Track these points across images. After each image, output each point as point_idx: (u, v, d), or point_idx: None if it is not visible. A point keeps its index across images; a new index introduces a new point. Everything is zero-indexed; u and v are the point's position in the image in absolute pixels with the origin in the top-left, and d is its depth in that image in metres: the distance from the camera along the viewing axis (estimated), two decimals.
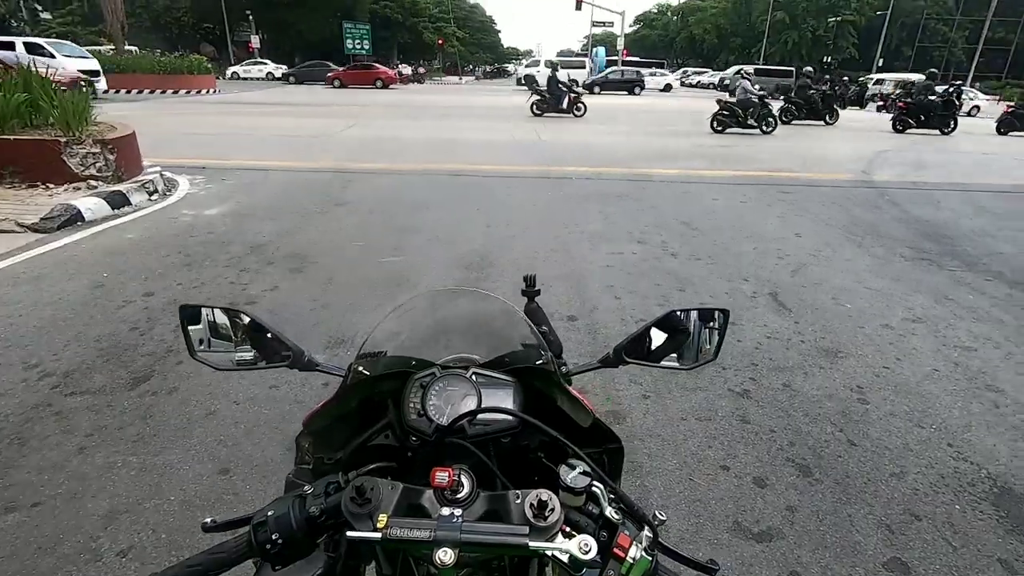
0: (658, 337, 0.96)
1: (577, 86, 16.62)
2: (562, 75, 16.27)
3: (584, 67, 33.68)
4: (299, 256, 4.37)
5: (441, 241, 4.85)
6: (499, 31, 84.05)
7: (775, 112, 13.72)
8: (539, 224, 5.49)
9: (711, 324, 0.96)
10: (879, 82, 29.99)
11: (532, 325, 0.90)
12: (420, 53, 60.64)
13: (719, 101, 13.70)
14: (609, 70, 33.18)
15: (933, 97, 14.84)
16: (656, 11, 72.61)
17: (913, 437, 2.42)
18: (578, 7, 36.02)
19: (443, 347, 0.91)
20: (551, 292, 3.63)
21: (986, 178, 8.81)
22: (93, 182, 5.91)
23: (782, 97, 14.31)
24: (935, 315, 3.68)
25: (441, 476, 0.60)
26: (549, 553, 0.55)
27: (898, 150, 11.68)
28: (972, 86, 33.27)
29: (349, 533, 0.56)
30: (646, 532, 0.62)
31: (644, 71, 35.64)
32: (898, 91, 20.60)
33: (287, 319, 3.30)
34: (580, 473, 0.63)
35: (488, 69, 64.93)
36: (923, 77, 15.84)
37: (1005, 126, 15.99)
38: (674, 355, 0.96)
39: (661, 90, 36.36)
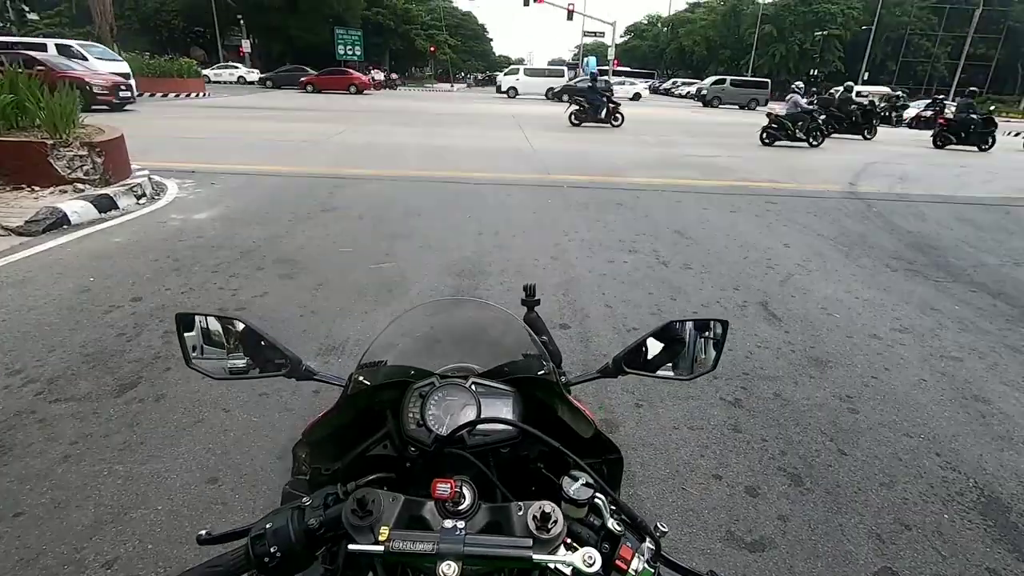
0: (656, 347, 0.96)
1: (613, 96, 16.60)
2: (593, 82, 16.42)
3: (563, 75, 33.93)
4: (289, 261, 4.34)
5: (433, 248, 4.85)
6: (491, 39, 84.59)
7: (822, 126, 14.04)
8: (531, 232, 5.50)
9: (709, 335, 0.96)
10: (858, 94, 30.51)
11: (533, 335, 0.90)
12: (412, 60, 60.81)
13: (769, 114, 14.09)
14: (577, 79, 33.23)
15: (973, 115, 15.12)
16: (647, 22, 73.39)
17: (902, 447, 2.44)
18: (570, 17, 36.34)
19: (443, 357, 0.91)
20: (542, 300, 3.61)
21: None
22: (80, 185, 5.84)
23: (823, 111, 14.49)
24: (922, 325, 3.73)
25: (443, 488, 0.59)
26: (552, 566, 0.54)
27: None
28: (954, 100, 33.91)
29: (351, 546, 0.55)
30: (648, 544, 0.62)
31: (614, 80, 35.94)
32: (932, 110, 20.72)
33: (276, 325, 3.27)
34: (583, 485, 0.62)
35: (480, 77, 65.20)
36: (945, 98, 16.21)
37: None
38: (673, 365, 0.97)
39: (630, 99, 36.06)
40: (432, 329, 1.00)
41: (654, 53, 67.85)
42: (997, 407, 2.79)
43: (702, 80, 42.22)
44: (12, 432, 2.25)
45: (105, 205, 5.51)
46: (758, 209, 6.89)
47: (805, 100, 14.07)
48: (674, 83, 50.53)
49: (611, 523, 0.62)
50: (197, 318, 0.92)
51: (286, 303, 3.62)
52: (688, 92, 42.60)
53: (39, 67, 14.48)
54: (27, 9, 38.29)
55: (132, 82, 17.28)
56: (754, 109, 32.99)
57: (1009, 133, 23.17)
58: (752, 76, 41.21)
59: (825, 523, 1.99)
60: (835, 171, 10.16)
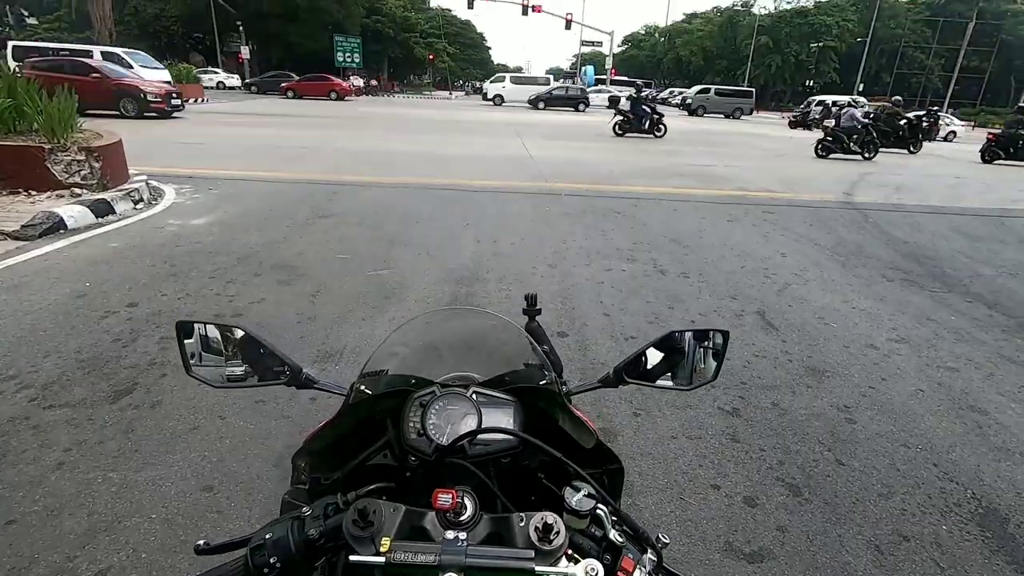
0: (656, 357, 0.96)
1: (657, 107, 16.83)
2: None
3: (548, 84, 34.24)
4: (287, 267, 4.33)
5: (431, 255, 4.85)
6: (490, 48, 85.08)
7: (876, 140, 14.20)
8: (529, 239, 5.51)
9: (708, 345, 0.96)
10: (858, 104, 30.76)
11: (534, 344, 0.90)
12: (411, 68, 61.10)
13: (825, 128, 14.28)
14: (554, 86, 33.46)
15: (1022, 131, 15.22)
16: (644, 32, 73.98)
17: (900, 457, 2.44)
18: (568, 27, 36.70)
19: (444, 366, 0.90)
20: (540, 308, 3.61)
21: None
22: (77, 190, 5.83)
23: (871, 124, 14.66)
24: (918, 335, 3.74)
25: (444, 498, 0.59)
26: None
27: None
28: (948, 112, 34.29)
29: (351, 557, 0.55)
30: (650, 555, 0.61)
31: (590, 88, 36.22)
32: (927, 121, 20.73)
33: (273, 332, 3.26)
34: (585, 495, 0.62)
35: (477, 85, 65.55)
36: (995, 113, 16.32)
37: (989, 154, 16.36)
38: (672, 375, 0.97)
39: (607, 107, 36.49)
40: (433, 338, 1.00)
41: (651, 63, 68.34)
42: (994, 418, 2.80)
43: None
44: (5, 438, 2.23)
45: (102, 210, 5.50)
46: (755, 219, 6.92)
47: (861, 114, 14.32)
48: (671, 92, 50.91)
49: (613, 534, 0.61)
50: (196, 326, 0.92)
51: (283, 309, 3.61)
52: (678, 102, 42.98)
53: (95, 74, 14.68)
54: (26, 14, 38.36)
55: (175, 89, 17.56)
56: (739, 118, 33.20)
57: None
58: (748, 86, 41.48)
59: (823, 534, 1.98)
60: (831, 181, 10.22)
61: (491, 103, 34.19)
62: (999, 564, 1.89)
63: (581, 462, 0.70)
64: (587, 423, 0.82)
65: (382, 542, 0.55)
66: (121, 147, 6.63)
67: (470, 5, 35.38)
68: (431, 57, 54.86)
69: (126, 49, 19.52)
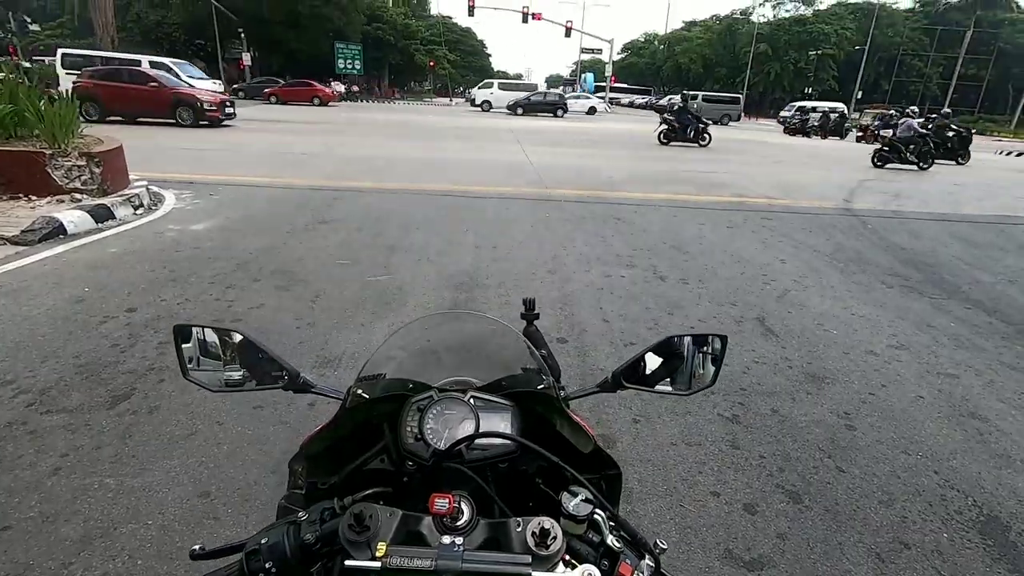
0: (655, 362, 0.96)
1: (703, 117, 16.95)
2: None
3: (535, 90, 34.64)
4: (286, 273, 4.33)
5: (431, 260, 4.85)
6: (490, 55, 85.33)
7: (933, 151, 14.31)
8: (529, 245, 5.51)
9: (707, 350, 0.96)
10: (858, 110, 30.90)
11: (532, 348, 0.90)
12: (412, 74, 61.29)
13: (882, 137, 14.43)
14: (531, 92, 33.80)
15: None
16: (643, 40, 74.36)
17: (900, 464, 2.43)
18: (568, 34, 36.88)
19: (441, 370, 0.90)
20: (539, 313, 3.61)
21: None
22: (77, 195, 5.84)
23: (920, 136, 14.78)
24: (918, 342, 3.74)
25: (441, 503, 0.59)
26: None
27: None
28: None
29: (347, 562, 0.55)
30: (647, 561, 0.61)
31: (568, 94, 36.41)
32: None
33: (272, 337, 3.25)
34: (582, 500, 0.62)
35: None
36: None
37: None
38: (671, 380, 0.96)
39: (586, 113, 36.14)
40: (431, 342, 1.00)
41: (651, 70, 68.62)
42: (994, 425, 2.79)
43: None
44: (2, 444, 2.22)
45: (102, 215, 5.50)
46: (754, 225, 6.92)
47: (918, 122, 14.46)
48: (670, 100, 51.26)
49: (610, 540, 0.61)
50: (194, 330, 0.92)
51: (282, 314, 3.61)
52: (635, 103, 43.15)
53: (152, 83, 14.80)
54: (29, 20, 38.56)
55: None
56: (727, 124, 33.29)
57: (1000, 152, 23.50)
58: (747, 93, 41.70)
59: (824, 541, 1.97)
60: (830, 188, 10.24)
61: (479, 109, 34.44)
62: (1001, 572, 1.88)
63: (579, 467, 0.70)
64: (585, 428, 0.81)
65: (378, 547, 0.55)
66: (122, 152, 6.65)
67: (471, 13, 35.55)
68: (432, 64, 55.07)
69: (173, 60, 19.83)
